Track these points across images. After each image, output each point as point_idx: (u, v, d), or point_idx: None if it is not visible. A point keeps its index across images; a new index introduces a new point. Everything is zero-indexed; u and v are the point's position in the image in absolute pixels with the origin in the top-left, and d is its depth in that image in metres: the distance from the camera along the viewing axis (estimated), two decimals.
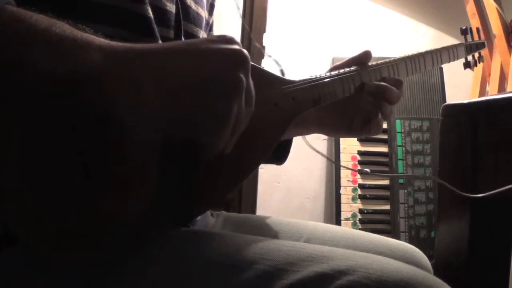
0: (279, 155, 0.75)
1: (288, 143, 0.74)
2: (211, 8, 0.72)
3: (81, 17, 0.40)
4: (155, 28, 0.53)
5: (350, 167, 1.77)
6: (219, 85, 0.39)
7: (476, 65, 0.93)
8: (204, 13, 0.66)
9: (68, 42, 0.36)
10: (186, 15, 0.60)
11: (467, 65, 0.92)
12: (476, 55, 0.92)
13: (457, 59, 0.85)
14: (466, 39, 0.90)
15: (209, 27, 0.74)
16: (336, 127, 0.72)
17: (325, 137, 1.85)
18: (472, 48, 0.89)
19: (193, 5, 0.62)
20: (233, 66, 0.39)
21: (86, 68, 0.36)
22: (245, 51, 0.41)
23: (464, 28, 0.90)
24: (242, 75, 0.39)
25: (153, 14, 0.53)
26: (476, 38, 0.92)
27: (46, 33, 0.35)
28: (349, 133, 0.71)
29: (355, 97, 0.67)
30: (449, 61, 0.83)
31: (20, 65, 0.35)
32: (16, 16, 0.35)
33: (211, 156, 0.42)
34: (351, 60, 0.70)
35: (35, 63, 0.35)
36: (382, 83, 0.67)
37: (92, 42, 0.37)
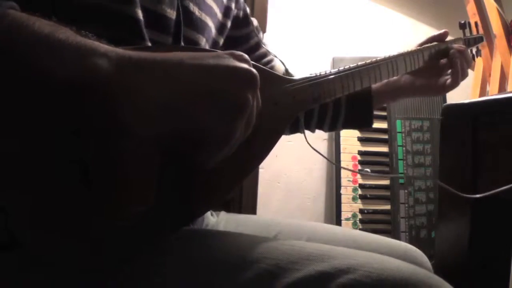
0: (363, 120, 0.84)
1: (370, 107, 0.83)
2: (226, 10, 0.71)
3: (68, 18, 0.39)
4: (144, 31, 0.51)
5: (351, 167, 1.77)
6: (225, 104, 0.38)
7: (474, 59, 0.94)
8: (210, 21, 0.64)
9: (72, 48, 0.35)
10: (188, 21, 0.59)
11: None
12: (474, 49, 0.92)
13: None
14: (464, 33, 0.90)
15: (231, 27, 0.73)
16: (422, 89, 0.83)
17: (325, 137, 1.85)
18: (470, 42, 0.89)
19: (196, 11, 0.60)
20: (241, 86, 0.39)
21: (90, 75, 0.35)
22: (254, 70, 0.40)
23: (462, 22, 0.91)
24: (249, 96, 0.39)
25: (152, 20, 0.52)
26: (474, 32, 0.92)
27: (49, 39, 0.35)
28: (434, 91, 0.84)
29: (433, 63, 0.81)
30: None
31: (22, 72, 0.34)
32: (19, 21, 0.35)
33: (202, 169, 0.42)
34: (430, 38, 0.85)
35: (37, 70, 0.34)
36: (462, 46, 0.83)
37: (96, 49, 0.36)
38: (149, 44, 0.53)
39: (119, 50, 0.37)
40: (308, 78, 0.63)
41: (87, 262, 0.41)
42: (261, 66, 0.57)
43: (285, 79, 0.60)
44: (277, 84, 0.59)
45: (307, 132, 0.75)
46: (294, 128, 0.81)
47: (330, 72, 0.66)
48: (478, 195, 0.70)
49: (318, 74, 0.65)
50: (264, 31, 1.52)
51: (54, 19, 0.36)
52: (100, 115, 0.36)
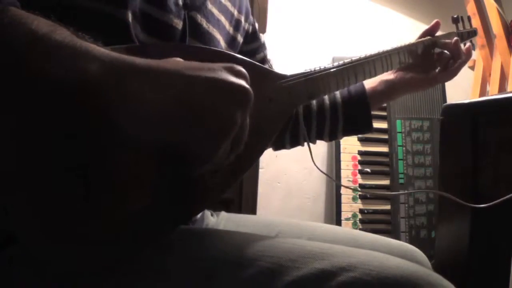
0: (362, 125, 0.82)
1: (368, 110, 0.81)
2: (236, 23, 0.70)
3: (66, 20, 0.39)
4: (132, 34, 0.51)
5: (351, 167, 1.77)
6: (212, 120, 0.38)
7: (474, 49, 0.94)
8: (218, 33, 0.64)
9: (67, 50, 0.35)
10: (194, 32, 0.58)
11: None
12: (468, 43, 0.92)
13: None
14: (457, 28, 0.90)
15: (239, 42, 0.72)
16: (418, 83, 0.81)
17: None
18: (463, 36, 0.89)
19: (204, 23, 0.60)
20: (231, 105, 0.38)
21: (83, 77, 0.35)
22: (249, 88, 0.39)
23: (455, 16, 0.90)
24: (238, 116, 0.38)
25: (157, 29, 0.52)
26: (467, 26, 0.92)
27: (46, 39, 0.35)
28: (429, 83, 0.82)
29: (427, 56, 0.80)
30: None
31: (17, 69, 0.34)
32: (18, 18, 0.35)
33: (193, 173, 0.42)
34: (423, 33, 0.84)
35: (32, 69, 0.34)
36: (448, 40, 0.82)
37: (91, 52, 0.36)
38: None
39: (114, 54, 0.37)
40: (302, 74, 0.63)
41: (85, 264, 0.41)
42: (254, 62, 0.57)
43: (279, 75, 0.59)
44: (271, 80, 0.58)
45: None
46: (295, 142, 0.80)
47: (325, 67, 0.66)
48: (482, 205, 0.70)
49: (312, 70, 0.65)
50: (264, 31, 1.52)
51: (53, 18, 0.37)
52: (94, 117, 0.36)
